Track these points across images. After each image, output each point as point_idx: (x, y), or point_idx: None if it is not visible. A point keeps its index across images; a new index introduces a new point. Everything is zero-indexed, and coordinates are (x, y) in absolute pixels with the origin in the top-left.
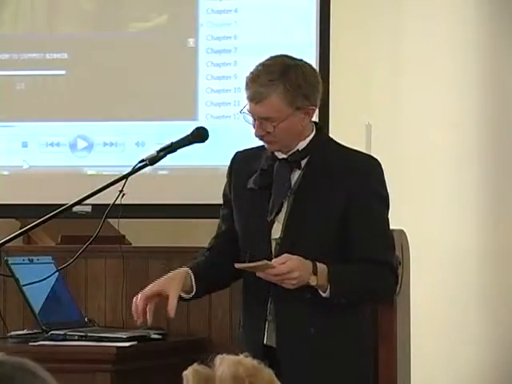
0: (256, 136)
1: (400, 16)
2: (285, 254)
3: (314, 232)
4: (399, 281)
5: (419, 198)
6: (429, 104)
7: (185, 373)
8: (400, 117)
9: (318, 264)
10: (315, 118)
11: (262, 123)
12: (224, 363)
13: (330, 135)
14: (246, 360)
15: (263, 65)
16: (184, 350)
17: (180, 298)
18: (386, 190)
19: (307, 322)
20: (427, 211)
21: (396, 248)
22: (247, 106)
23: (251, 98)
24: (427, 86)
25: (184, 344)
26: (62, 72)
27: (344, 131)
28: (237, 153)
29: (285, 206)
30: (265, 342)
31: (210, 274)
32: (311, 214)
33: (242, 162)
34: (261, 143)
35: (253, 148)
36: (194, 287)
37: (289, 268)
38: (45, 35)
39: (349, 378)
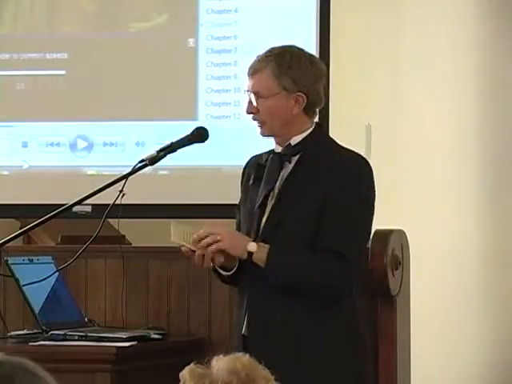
0: (246, 112)
1: (400, 16)
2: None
3: (290, 229)
4: (353, 278)
5: (419, 198)
6: (429, 104)
7: (181, 373)
8: (400, 117)
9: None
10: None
11: (252, 99)
12: (221, 361)
13: (330, 135)
14: (244, 357)
15: (272, 47)
16: (184, 350)
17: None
18: (371, 191)
19: (274, 309)
20: (427, 211)
21: (396, 248)
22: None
23: (248, 71)
24: (427, 87)
25: (184, 344)
26: (62, 72)
27: (344, 132)
28: (250, 158)
29: (272, 200)
30: (243, 332)
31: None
32: (290, 210)
33: (252, 164)
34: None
35: (266, 151)
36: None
37: (209, 232)
38: (45, 35)
39: (325, 365)
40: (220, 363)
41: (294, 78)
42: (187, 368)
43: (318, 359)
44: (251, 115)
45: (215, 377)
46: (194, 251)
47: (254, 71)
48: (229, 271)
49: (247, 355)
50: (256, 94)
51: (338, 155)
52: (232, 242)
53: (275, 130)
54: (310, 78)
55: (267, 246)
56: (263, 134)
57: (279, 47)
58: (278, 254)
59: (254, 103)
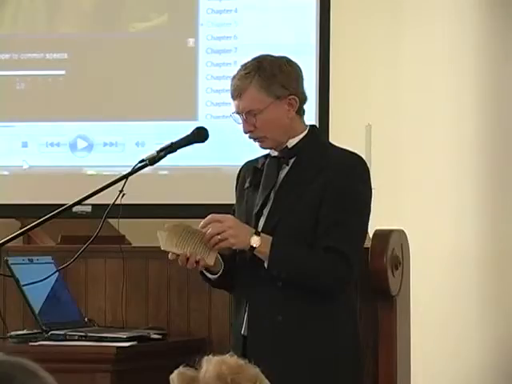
0: (245, 133)
1: (400, 16)
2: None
3: (288, 229)
4: (352, 273)
5: (419, 198)
6: (428, 104)
7: (171, 376)
8: (400, 117)
9: (264, 234)
10: (315, 119)
11: (247, 119)
12: (209, 363)
13: (330, 135)
14: (230, 359)
15: (243, 64)
16: (184, 350)
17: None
18: (366, 187)
19: (275, 310)
20: (427, 211)
21: (396, 248)
22: (233, 106)
23: (232, 95)
24: (427, 87)
25: (184, 344)
26: (62, 72)
27: (344, 132)
28: (245, 162)
29: (270, 201)
30: (242, 332)
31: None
32: (287, 211)
33: (247, 168)
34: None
35: (262, 156)
36: (222, 265)
37: (211, 220)
38: (45, 35)
39: (323, 366)
40: (207, 366)
41: (282, 83)
42: (176, 371)
43: (318, 360)
44: (249, 134)
45: (202, 381)
46: (178, 255)
47: (239, 92)
48: (214, 274)
49: (235, 356)
50: (249, 112)
51: (333, 154)
52: (236, 238)
53: (278, 139)
54: (294, 78)
55: (270, 238)
56: (266, 148)
57: (251, 61)
58: (280, 248)
59: (252, 122)
